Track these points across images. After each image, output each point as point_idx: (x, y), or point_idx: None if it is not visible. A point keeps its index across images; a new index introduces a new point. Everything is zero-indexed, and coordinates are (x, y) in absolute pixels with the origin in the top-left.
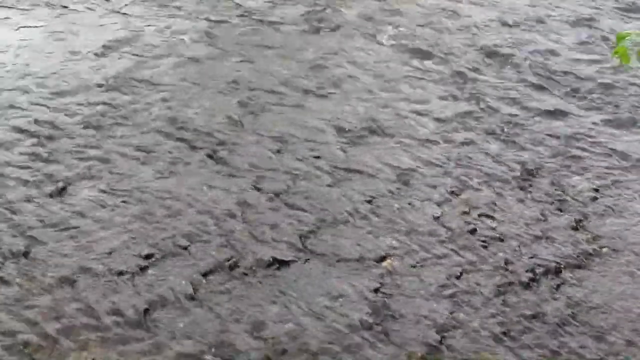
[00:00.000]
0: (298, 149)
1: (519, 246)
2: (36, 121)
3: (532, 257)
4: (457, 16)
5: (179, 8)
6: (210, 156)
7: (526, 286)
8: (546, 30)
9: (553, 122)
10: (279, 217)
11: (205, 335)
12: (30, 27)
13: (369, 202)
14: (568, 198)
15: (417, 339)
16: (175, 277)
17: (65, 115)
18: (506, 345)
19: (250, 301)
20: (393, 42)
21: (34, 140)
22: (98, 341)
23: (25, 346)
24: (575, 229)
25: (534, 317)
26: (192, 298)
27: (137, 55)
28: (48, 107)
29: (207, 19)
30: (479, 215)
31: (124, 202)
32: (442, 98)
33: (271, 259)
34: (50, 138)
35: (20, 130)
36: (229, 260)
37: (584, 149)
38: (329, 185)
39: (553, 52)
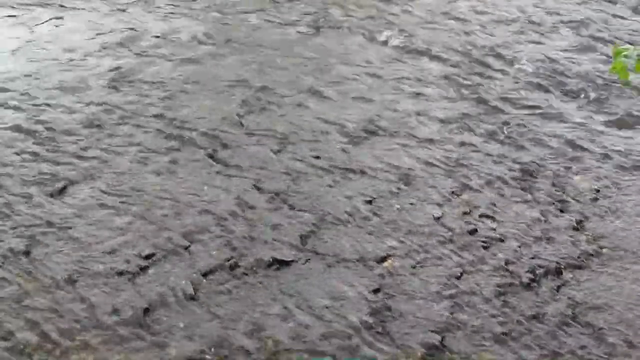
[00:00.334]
0: (298, 149)
1: (519, 247)
2: (36, 121)
3: (532, 258)
4: (457, 16)
5: (179, 8)
6: (210, 156)
7: (526, 287)
8: (546, 30)
9: (553, 122)
10: (279, 217)
11: (206, 335)
12: (31, 27)
13: (370, 202)
14: (568, 199)
15: (418, 339)
16: (175, 277)
17: (66, 115)
18: (506, 346)
19: (251, 301)
20: (393, 42)
21: (35, 140)
22: (98, 341)
23: (25, 346)
24: (576, 229)
25: (534, 317)
26: (192, 298)
27: (137, 55)
28: (48, 107)
29: (208, 19)
30: (480, 216)
31: (124, 202)
32: (442, 98)
33: (271, 259)
34: (50, 138)
35: (21, 130)
36: (229, 260)
37: (584, 149)
38: (329, 186)
39: (553, 52)
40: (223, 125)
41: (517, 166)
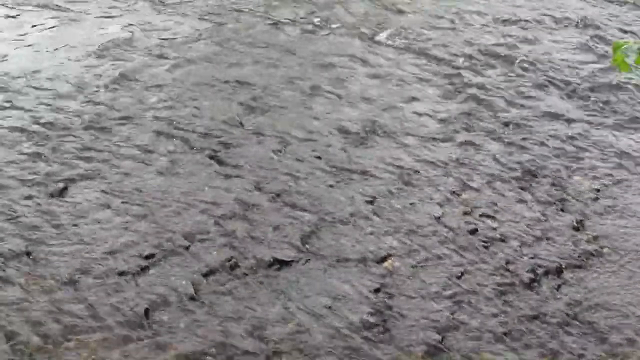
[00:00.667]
0: (299, 149)
1: (519, 246)
2: (37, 121)
3: (533, 258)
4: (457, 16)
5: (179, 8)
6: (211, 156)
7: (527, 286)
8: (546, 30)
9: (554, 122)
10: (280, 217)
11: (206, 336)
12: (31, 27)
13: (370, 202)
14: (569, 198)
15: (418, 339)
16: (176, 277)
17: (66, 115)
18: (507, 346)
19: (251, 301)
20: (393, 43)
21: (35, 140)
22: (99, 341)
23: (25, 346)
24: (576, 229)
25: (534, 317)
26: (192, 298)
27: (137, 55)
28: (49, 107)
29: (208, 19)
30: (480, 216)
31: (124, 202)
32: (442, 98)
33: (272, 259)
34: (50, 138)
35: (21, 130)
36: (229, 261)
37: (584, 149)
38: (329, 186)
39: (553, 52)
40: (223, 125)
41: (517, 166)
